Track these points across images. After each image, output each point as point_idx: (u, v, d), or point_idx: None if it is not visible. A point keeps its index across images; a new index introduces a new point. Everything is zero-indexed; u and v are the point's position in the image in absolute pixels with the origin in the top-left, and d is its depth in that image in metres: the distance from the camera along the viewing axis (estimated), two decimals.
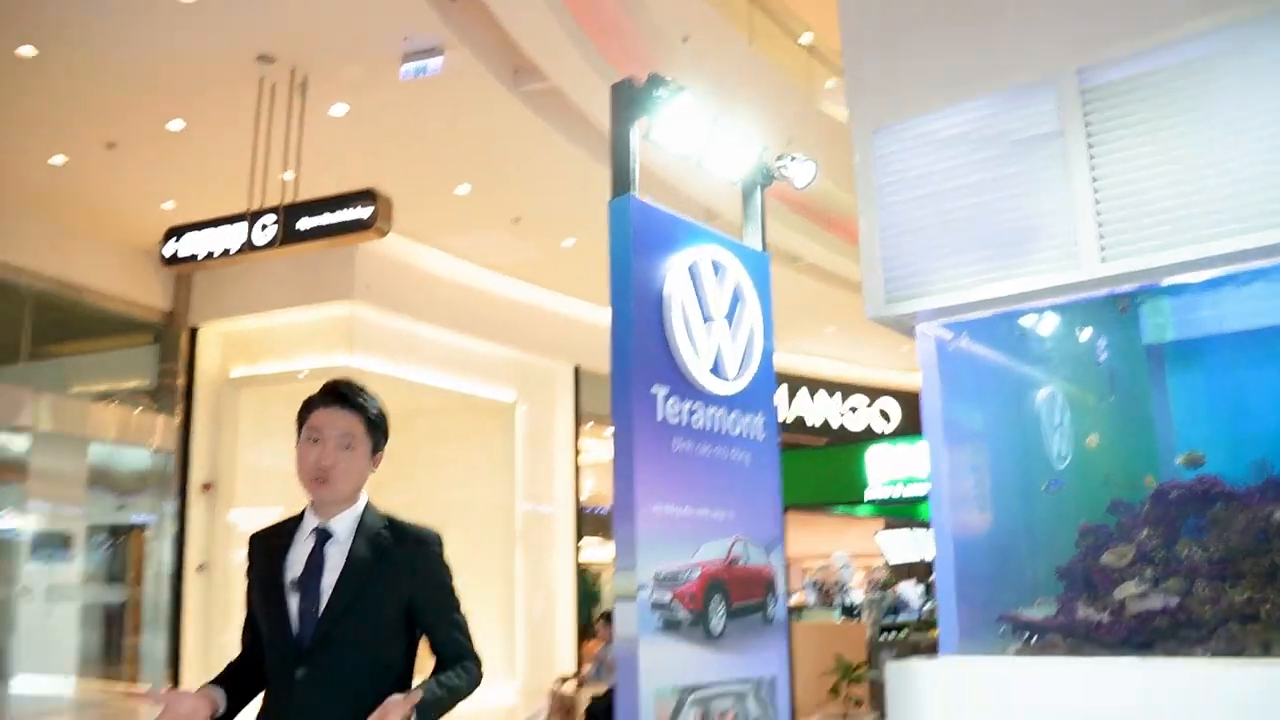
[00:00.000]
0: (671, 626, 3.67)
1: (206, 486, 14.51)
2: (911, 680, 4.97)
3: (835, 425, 18.96)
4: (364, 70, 9.44)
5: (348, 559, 2.73)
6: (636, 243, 3.86)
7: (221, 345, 14.99)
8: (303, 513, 2.89)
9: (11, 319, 13.28)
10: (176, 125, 10.24)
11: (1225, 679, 4.00)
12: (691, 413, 3.92)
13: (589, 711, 9.00)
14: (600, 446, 19.04)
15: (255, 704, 2.78)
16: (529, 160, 11.29)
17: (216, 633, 14.36)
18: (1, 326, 13.47)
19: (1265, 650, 4.32)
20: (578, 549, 16.44)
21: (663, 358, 3.88)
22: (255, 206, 9.67)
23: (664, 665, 3.63)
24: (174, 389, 14.49)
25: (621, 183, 3.92)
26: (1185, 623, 4.76)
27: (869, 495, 10.63)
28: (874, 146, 5.45)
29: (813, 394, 18.65)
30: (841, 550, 11.33)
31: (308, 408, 2.89)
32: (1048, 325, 5.80)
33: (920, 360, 5.62)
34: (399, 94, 9.67)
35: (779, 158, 4.57)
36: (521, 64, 9.81)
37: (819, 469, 11.49)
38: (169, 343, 14.56)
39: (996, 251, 5.16)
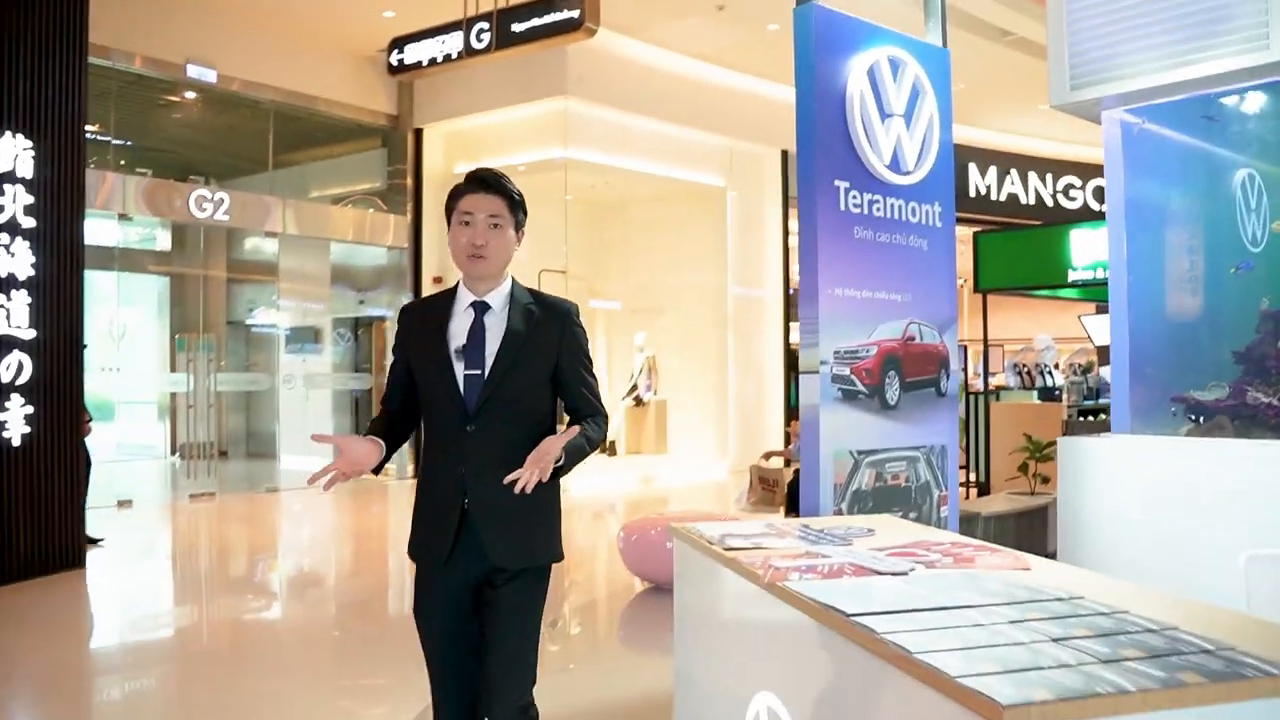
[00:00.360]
0: (850, 397, 4.11)
1: (437, 280, 15.51)
2: (1081, 455, 5.29)
3: (1050, 204, 18.52)
4: None
5: (506, 329, 2.99)
6: (818, 47, 4.13)
7: (444, 145, 15.75)
8: (454, 289, 3.12)
9: (257, 131, 14.40)
10: None
11: None
12: (872, 203, 4.24)
13: (790, 485, 9.56)
14: None
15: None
16: None
17: None
18: (249, 138, 14.63)
19: None
20: (787, 331, 16.82)
21: (845, 153, 4.18)
22: (470, 14, 10.11)
23: (842, 431, 4.09)
24: (403, 189, 15.44)
25: None
26: None
27: (1072, 278, 10.51)
28: None
29: (1024, 174, 18.19)
30: (1045, 333, 11.38)
31: (455, 195, 3.08)
32: (1239, 109, 5.70)
33: (1105, 146, 5.70)
34: None
35: None
36: None
37: (1022, 250, 11.35)
38: (396, 145, 15.43)
39: (1184, 34, 5.14)
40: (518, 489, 2.65)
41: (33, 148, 7.50)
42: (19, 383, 7.42)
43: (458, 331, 2.99)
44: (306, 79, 14.05)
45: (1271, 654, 1.60)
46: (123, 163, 13.52)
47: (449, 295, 3.10)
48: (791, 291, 16.74)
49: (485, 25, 10.12)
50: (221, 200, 13.03)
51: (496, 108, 14.37)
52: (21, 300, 7.41)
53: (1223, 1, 5.05)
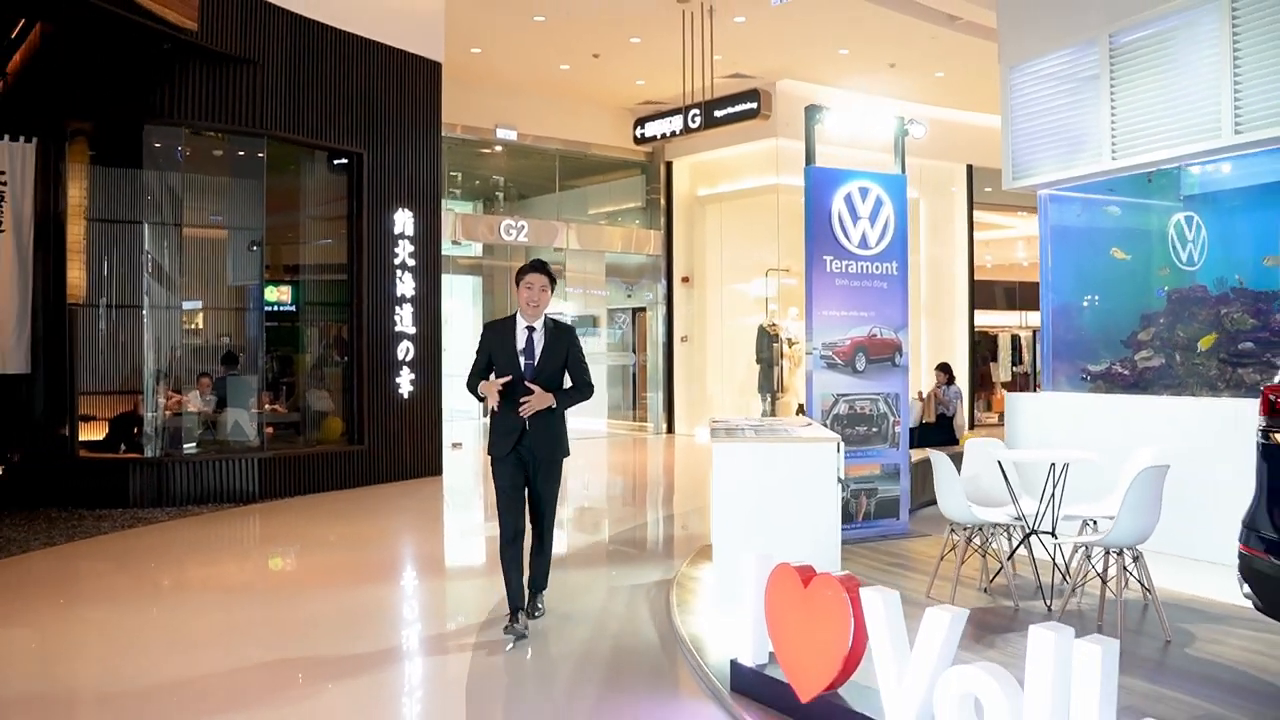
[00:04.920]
0: (831, 366, 8.02)
1: (685, 280, 19.77)
2: (1020, 406, 8.98)
3: None
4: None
5: (545, 341, 5.35)
6: (814, 188, 8.04)
7: (689, 173, 19.95)
8: (514, 317, 5.40)
9: (547, 169, 19.14)
10: (636, 40, 15.00)
11: (1175, 406, 7.73)
12: (847, 265, 8.11)
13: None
14: (998, 218, 22.12)
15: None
16: (897, 24, 14.86)
17: (697, 387, 19.80)
18: (540, 174, 19.41)
19: (1194, 392, 7.97)
20: (972, 314, 19.99)
21: (831, 240, 8.08)
22: (689, 93, 14.20)
23: (828, 383, 8.01)
24: (658, 207, 19.70)
25: (809, 158, 8.10)
26: (1164, 376, 8.44)
27: None
28: (1010, 78, 9.07)
29: None
30: None
31: (523, 271, 5.37)
32: (1126, 184, 8.97)
33: (1039, 210, 9.26)
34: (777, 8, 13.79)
35: (909, 122, 8.43)
36: None
37: None
38: (652, 174, 19.75)
39: (1064, 150, 8.72)
40: (527, 407, 5.31)
41: (413, 216, 12.27)
42: (406, 360, 12.23)
43: (520, 340, 5.40)
44: (582, 129, 18.61)
45: (809, 435, 5.56)
46: (451, 201, 18.45)
47: (512, 320, 5.43)
48: (975, 279, 19.96)
49: (697, 112, 14.27)
50: (522, 226, 17.76)
51: (725, 146, 18.33)
52: (408, 310, 12.19)
53: (1080, 130, 8.61)
